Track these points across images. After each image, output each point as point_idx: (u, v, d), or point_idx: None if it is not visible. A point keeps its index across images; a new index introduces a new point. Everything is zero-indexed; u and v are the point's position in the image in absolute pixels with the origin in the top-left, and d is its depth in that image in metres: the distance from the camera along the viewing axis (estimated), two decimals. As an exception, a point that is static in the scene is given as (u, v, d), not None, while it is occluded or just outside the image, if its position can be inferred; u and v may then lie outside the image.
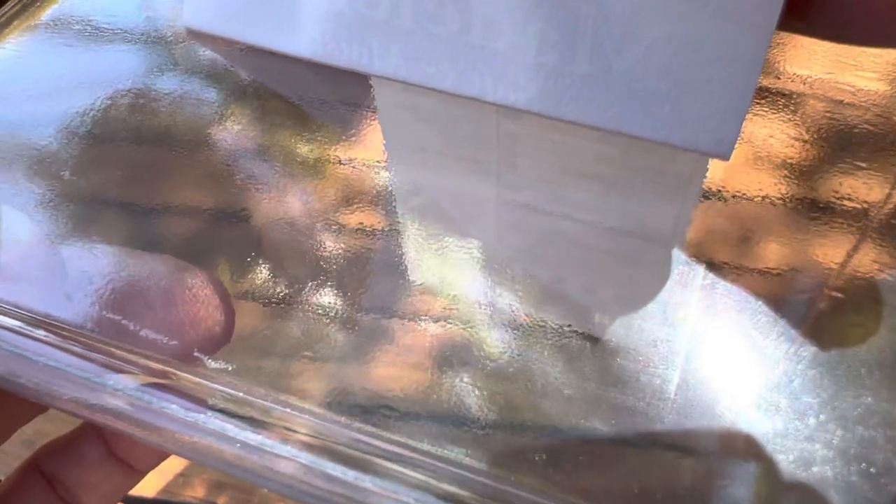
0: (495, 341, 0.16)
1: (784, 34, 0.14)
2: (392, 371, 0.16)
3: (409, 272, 0.18)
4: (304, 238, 0.18)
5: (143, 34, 0.22)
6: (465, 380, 0.16)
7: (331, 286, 0.17)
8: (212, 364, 0.15)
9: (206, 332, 0.16)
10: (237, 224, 0.19)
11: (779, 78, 0.19)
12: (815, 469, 0.14)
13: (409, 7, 0.17)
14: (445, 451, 0.14)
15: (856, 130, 0.19)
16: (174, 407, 0.14)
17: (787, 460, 0.14)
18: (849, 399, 0.15)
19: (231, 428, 0.13)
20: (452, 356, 0.16)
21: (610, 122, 0.16)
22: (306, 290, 0.17)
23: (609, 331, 0.16)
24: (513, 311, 0.17)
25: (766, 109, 0.19)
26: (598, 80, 0.16)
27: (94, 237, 0.18)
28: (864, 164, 0.18)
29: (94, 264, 0.17)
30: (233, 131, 0.20)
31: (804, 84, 0.19)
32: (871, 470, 0.14)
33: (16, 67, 0.22)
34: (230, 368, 0.15)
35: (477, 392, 0.16)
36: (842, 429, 0.14)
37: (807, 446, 0.14)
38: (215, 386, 0.15)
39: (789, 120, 0.19)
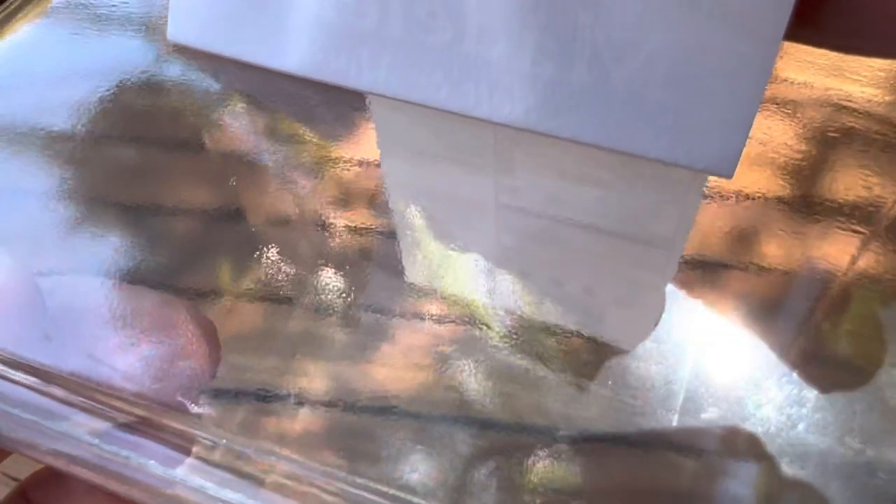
0: (494, 342, 0.16)
1: (786, 44, 0.13)
2: (390, 371, 0.16)
3: (407, 274, 0.17)
4: (300, 239, 0.18)
5: (146, 23, 0.22)
6: (464, 380, 0.16)
7: (327, 287, 0.17)
8: (194, 409, 0.15)
9: (190, 373, 0.16)
10: (233, 224, 0.19)
11: (778, 84, 0.19)
12: (815, 469, 0.14)
13: (399, 16, 0.16)
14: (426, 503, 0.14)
15: (856, 136, 0.18)
16: (152, 463, 0.13)
17: (787, 460, 0.14)
18: (850, 399, 0.15)
19: (210, 486, 0.13)
20: (451, 357, 0.16)
21: (608, 137, 0.16)
22: (303, 290, 0.17)
23: (609, 332, 0.16)
24: (512, 313, 0.17)
25: (767, 113, 0.19)
26: (596, 91, 0.15)
27: (81, 252, 0.18)
28: (864, 171, 0.18)
29: (75, 300, 0.17)
30: (230, 129, 0.20)
31: (804, 89, 0.19)
32: (873, 470, 0.14)
33: (15, 60, 0.22)
34: (212, 414, 0.15)
35: (476, 392, 0.16)
36: (843, 427, 0.14)
37: (807, 446, 0.14)
38: (195, 432, 0.14)
39: (790, 124, 0.18)
